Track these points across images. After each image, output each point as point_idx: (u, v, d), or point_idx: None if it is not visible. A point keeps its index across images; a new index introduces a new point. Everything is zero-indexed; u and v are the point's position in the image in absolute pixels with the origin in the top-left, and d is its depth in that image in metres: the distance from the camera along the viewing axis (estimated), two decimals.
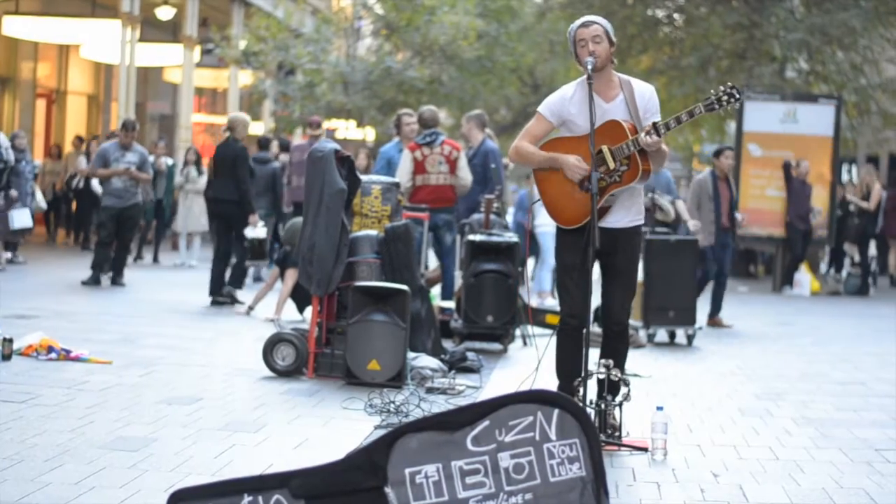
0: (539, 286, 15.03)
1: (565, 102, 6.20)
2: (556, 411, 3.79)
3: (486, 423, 3.77)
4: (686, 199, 13.12)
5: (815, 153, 18.81)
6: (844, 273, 19.90)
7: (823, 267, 21.83)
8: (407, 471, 3.71)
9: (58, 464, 5.18)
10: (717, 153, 13.06)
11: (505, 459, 3.75)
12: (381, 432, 5.52)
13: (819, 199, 18.78)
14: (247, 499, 3.69)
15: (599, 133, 6.11)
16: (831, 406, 7.74)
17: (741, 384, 8.65)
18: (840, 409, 7.62)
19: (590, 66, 6.04)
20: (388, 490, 3.70)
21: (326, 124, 26.99)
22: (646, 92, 6.24)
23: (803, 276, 18.40)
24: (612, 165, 6.13)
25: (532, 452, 3.76)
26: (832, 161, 19.07)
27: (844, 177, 30.48)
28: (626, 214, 6.26)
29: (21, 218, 14.76)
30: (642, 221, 6.37)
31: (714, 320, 12.78)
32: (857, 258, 19.82)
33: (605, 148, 6.11)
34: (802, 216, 18.37)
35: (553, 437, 3.78)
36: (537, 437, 3.77)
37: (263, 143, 16.39)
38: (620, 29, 23.19)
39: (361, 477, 3.68)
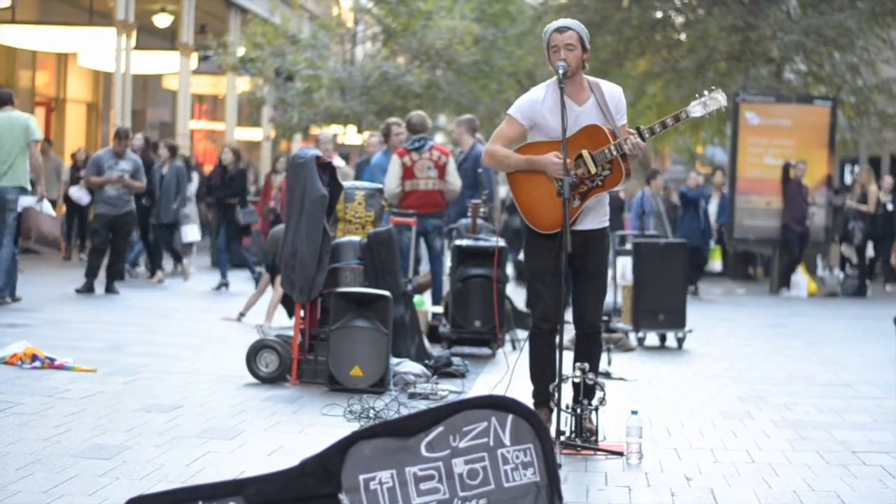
0: None
1: (537, 105, 6.21)
2: (510, 417, 3.79)
3: (440, 428, 3.77)
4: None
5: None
6: (841, 274, 19.89)
7: (822, 268, 21.81)
8: (361, 477, 3.71)
9: (29, 472, 5.19)
10: None
11: (459, 465, 3.75)
12: None
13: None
14: None
15: (577, 137, 6.12)
16: (814, 408, 7.73)
17: (726, 387, 8.64)
18: (822, 412, 7.62)
19: (561, 71, 6.05)
20: (342, 497, 3.70)
21: (326, 130, 27.11)
22: (615, 93, 6.25)
23: (800, 277, 18.40)
24: (593, 170, 6.13)
25: (486, 458, 3.77)
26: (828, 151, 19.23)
27: (847, 178, 30.46)
28: (595, 216, 6.29)
29: (191, 232, 15.99)
30: (608, 223, 6.39)
31: None
32: (854, 260, 19.81)
33: (585, 152, 6.12)
34: (799, 219, 18.39)
35: (507, 442, 3.78)
36: (491, 443, 3.78)
37: None
38: (617, 32, 23.23)
39: (315, 484, 3.69)
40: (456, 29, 22.99)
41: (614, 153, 6.07)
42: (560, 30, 6.21)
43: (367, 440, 3.75)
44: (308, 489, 3.71)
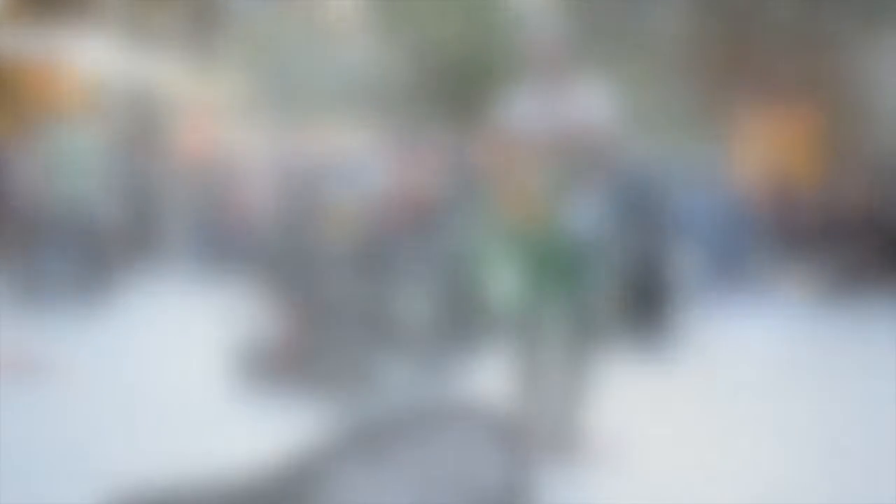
0: None
1: (517, 105, 6.21)
2: (486, 419, 3.79)
3: (415, 430, 3.76)
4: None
5: None
6: (835, 277, 19.89)
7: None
8: (331, 480, 3.71)
9: (8, 476, 5.18)
10: None
11: (433, 468, 3.75)
12: None
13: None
14: None
15: (555, 137, 6.11)
16: (801, 410, 7.73)
17: (714, 389, 8.64)
18: (810, 413, 7.62)
19: (544, 74, 6.05)
20: (311, 499, 3.70)
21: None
22: (600, 93, 6.24)
23: (793, 280, 18.43)
24: (570, 170, 6.14)
25: (462, 461, 3.76)
26: None
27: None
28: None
29: None
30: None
31: None
32: (849, 262, 19.81)
33: (563, 151, 6.12)
34: (791, 222, 18.41)
35: (483, 445, 3.77)
36: (467, 446, 3.77)
37: None
38: (612, 35, 23.25)
39: (284, 485, 3.68)
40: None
41: (588, 153, 6.07)
42: (539, 32, 6.21)
43: (340, 441, 3.75)
44: (277, 491, 3.70)
